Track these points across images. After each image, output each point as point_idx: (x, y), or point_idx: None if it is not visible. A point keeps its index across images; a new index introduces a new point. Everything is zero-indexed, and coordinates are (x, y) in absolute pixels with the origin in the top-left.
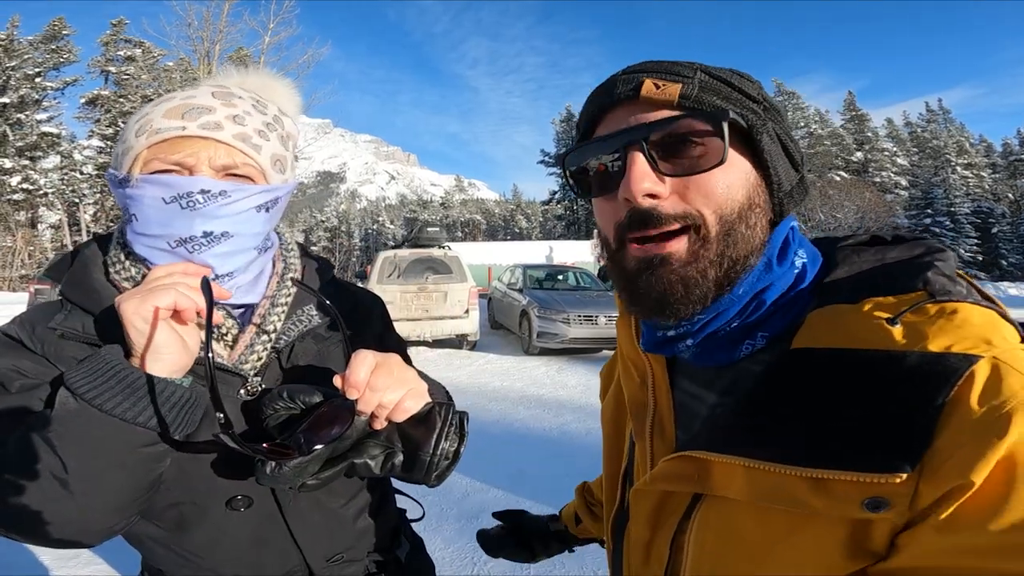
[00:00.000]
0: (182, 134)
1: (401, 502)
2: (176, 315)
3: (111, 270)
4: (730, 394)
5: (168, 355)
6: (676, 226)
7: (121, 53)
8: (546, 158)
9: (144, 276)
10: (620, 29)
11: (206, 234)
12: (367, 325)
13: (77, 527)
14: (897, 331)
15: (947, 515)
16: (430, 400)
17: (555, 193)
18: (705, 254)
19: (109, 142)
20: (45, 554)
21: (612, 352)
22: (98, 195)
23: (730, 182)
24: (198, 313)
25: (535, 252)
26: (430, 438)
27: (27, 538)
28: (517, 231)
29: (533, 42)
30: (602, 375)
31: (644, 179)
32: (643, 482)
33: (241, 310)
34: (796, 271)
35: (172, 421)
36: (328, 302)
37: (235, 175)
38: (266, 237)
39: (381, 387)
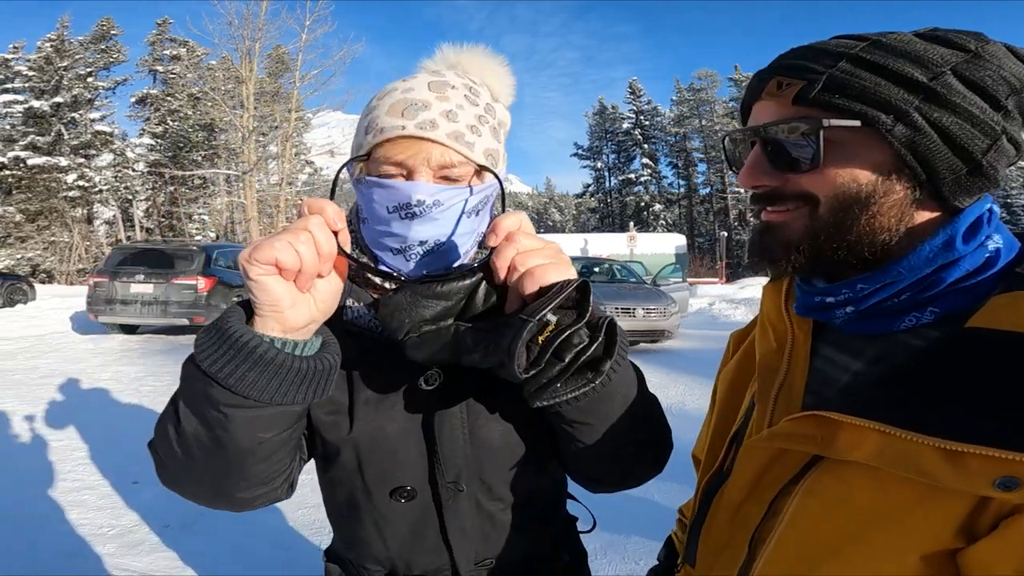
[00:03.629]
0: (402, 134)
1: (573, 510)
2: (289, 273)
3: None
4: (878, 363)
5: (273, 313)
6: (794, 203)
7: (167, 52)
8: (579, 151)
9: (375, 265)
10: (658, 22)
11: (421, 243)
12: None
13: (207, 486)
14: None
15: None
16: (573, 278)
17: (588, 186)
18: (814, 229)
19: (159, 140)
20: (110, 542)
21: (650, 345)
22: (150, 191)
23: (853, 170)
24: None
25: (570, 245)
26: (538, 303)
27: (195, 499)
28: (551, 224)
29: (569, 37)
30: (732, 338)
31: (751, 175)
32: (760, 437)
33: None
34: (987, 254)
35: (255, 383)
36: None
37: (449, 177)
38: (479, 235)
39: (526, 246)
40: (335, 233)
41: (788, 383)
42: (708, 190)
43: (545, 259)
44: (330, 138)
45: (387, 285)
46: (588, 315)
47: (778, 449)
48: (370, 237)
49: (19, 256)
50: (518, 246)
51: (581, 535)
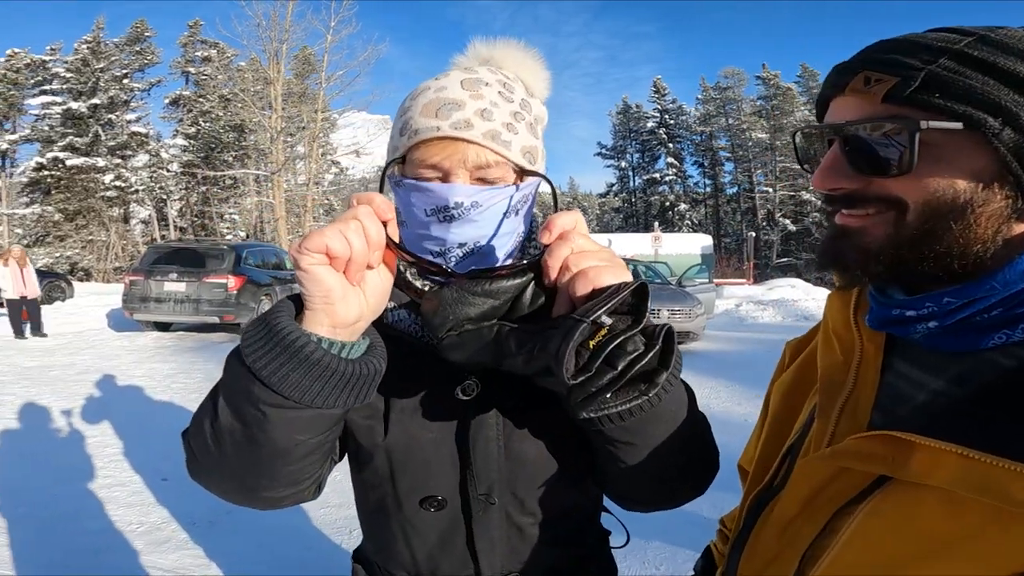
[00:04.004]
0: (437, 135)
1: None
2: (340, 262)
3: None
4: (962, 383)
5: (324, 305)
6: (876, 207)
7: (198, 54)
8: (603, 150)
9: (407, 267)
10: (682, 22)
11: (460, 245)
12: None
13: (239, 479)
14: None
15: None
16: (630, 281)
17: (612, 185)
18: (898, 237)
19: (191, 140)
20: (139, 539)
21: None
22: (183, 191)
23: (950, 176)
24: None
25: None
26: (592, 304)
27: (221, 494)
28: None
29: (591, 37)
30: (789, 346)
31: (828, 176)
32: (821, 454)
33: None
34: None
35: (298, 384)
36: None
37: (486, 179)
38: (520, 235)
39: (581, 246)
40: (384, 224)
41: (854, 398)
42: (735, 189)
43: (600, 261)
44: (355, 138)
45: (425, 288)
46: (645, 321)
47: (839, 467)
48: (409, 240)
49: (58, 254)
50: (573, 245)
51: (613, 550)
